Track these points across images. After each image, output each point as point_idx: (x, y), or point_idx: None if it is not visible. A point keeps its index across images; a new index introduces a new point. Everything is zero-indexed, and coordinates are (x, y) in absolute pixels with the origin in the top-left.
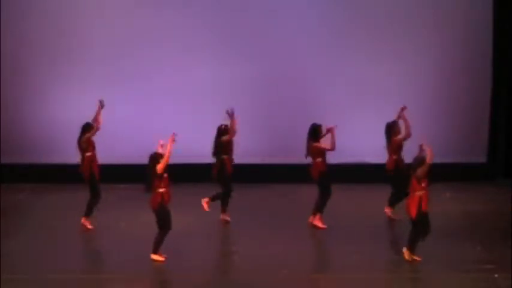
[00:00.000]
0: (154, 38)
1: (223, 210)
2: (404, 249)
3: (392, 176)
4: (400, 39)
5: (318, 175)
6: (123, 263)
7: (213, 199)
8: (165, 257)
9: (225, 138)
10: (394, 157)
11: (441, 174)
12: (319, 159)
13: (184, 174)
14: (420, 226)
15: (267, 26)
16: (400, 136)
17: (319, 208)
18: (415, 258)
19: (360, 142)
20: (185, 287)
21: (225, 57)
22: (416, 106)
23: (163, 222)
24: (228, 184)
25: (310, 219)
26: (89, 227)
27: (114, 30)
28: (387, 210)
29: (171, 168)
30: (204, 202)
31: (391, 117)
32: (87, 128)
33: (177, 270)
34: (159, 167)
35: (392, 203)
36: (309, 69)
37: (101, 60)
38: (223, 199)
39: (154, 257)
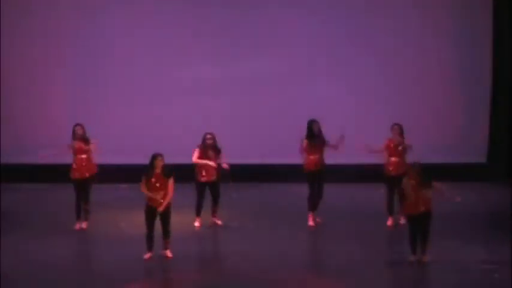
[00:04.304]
0: (154, 39)
1: (214, 213)
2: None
3: (386, 178)
4: (400, 39)
5: (306, 172)
6: (123, 263)
7: (213, 211)
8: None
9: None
10: (393, 159)
11: (441, 174)
12: (311, 157)
13: (183, 174)
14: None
15: (269, 28)
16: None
17: (308, 206)
18: (411, 259)
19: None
20: (185, 287)
21: (226, 58)
22: (417, 106)
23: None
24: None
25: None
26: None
27: (114, 30)
28: (390, 222)
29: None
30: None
31: (391, 118)
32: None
33: (177, 270)
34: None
35: (391, 211)
36: (310, 71)
37: (101, 61)
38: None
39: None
